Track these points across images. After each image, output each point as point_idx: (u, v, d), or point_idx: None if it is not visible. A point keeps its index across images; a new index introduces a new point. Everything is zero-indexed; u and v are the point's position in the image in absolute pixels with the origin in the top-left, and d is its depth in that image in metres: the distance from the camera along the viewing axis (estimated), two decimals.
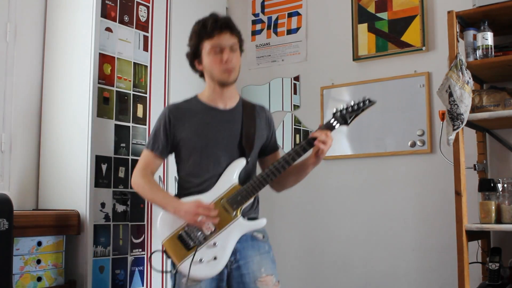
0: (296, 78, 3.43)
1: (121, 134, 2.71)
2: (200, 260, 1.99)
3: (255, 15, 3.61)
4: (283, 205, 3.30)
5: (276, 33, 3.53)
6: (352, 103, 2.05)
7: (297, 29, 3.46)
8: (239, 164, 2.09)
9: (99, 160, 2.59)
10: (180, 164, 2.16)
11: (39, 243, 2.39)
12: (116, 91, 2.71)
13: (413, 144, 2.96)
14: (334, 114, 2.06)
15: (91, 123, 2.57)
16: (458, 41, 2.43)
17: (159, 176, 2.88)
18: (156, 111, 2.91)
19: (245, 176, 2.11)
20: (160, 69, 2.97)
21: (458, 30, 2.44)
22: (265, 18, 3.57)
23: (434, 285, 2.85)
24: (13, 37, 2.68)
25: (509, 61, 2.40)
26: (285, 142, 3.38)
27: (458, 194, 2.35)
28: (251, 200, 2.06)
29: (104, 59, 2.66)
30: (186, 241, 2.02)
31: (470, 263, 2.40)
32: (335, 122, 2.05)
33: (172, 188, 2.80)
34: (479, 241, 2.61)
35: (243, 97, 2.27)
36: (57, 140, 2.70)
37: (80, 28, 2.67)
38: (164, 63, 3.00)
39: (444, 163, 2.71)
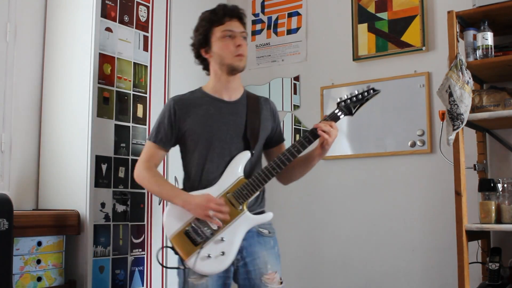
0: (296, 78, 3.43)
1: (121, 134, 2.71)
2: (208, 255, 1.99)
3: (255, 15, 3.61)
4: (283, 205, 3.30)
5: (276, 33, 3.53)
6: (356, 92, 2.04)
7: (297, 29, 3.46)
8: (244, 156, 2.08)
9: (99, 160, 2.59)
10: (185, 156, 2.15)
11: (39, 243, 2.39)
12: (116, 91, 2.71)
13: (413, 144, 2.96)
14: (338, 104, 2.04)
15: (91, 123, 2.57)
16: (458, 41, 2.43)
17: None
18: (156, 111, 2.90)
19: (250, 169, 2.10)
20: (160, 69, 2.97)
21: (458, 30, 2.44)
22: (265, 18, 3.57)
23: (434, 285, 2.85)
24: (13, 37, 2.68)
25: (509, 61, 2.40)
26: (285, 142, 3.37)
27: (458, 194, 2.35)
28: (257, 193, 2.05)
29: (104, 59, 2.66)
30: (193, 237, 2.01)
31: (470, 263, 2.40)
32: (340, 112, 2.03)
33: None
34: (479, 241, 2.61)
35: None
36: (57, 140, 2.70)
37: (80, 28, 2.67)
38: (164, 63, 3.00)
39: (444, 163, 2.71)
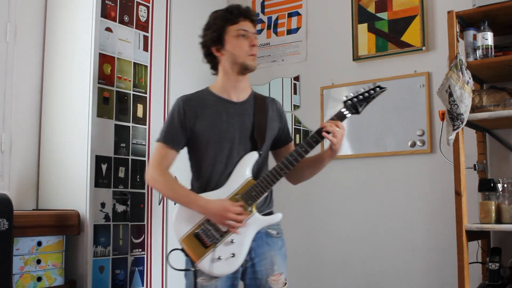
0: (296, 78, 3.43)
1: (121, 134, 2.71)
2: (219, 257, 1.99)
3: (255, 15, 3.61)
4: (283, 205, 3.28)
5: (276, 33, 3.53)
6: (362, 91, 2.02)
7: (297, 29, 3.46)
8: (252, 157, 2.08)
9: (99, 160, 2.59)
10: (193, 157, 2.14)
11: (39, 243, 2.38)
12: (116, 91, 2.71)
13: (413, 144, 2.96)
14: (344, 103, 2.03)
15: (91, 123, 2.57)
16: (458, 41, 2.43)
17: None
18: (156, 111, 2.91)
19: (258, 170, 2.10)
20: (160, 69, 2.97)
21: (458, 30, 2.44)
22: (265, 18, 3.57)
23: (434, 285, 2.85)
24: (13, 37, 2.68)
25: (509, 61, 2.40)
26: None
27: (458, 194, 2.35)
28: (266, 194, 2.05)
29: (104, 59, 2.66)
30: (203, 239, 2.01)
31: (470, 263, 2.40)
32: (347, 111, 2.02)
33: None
34: (479, 241, 2.61)
35: None
36: (57, 140, 2.70)
37: (80, 28, 2.67)
38: (164, 63, 3.00)
39: (444, 163, 2.71)
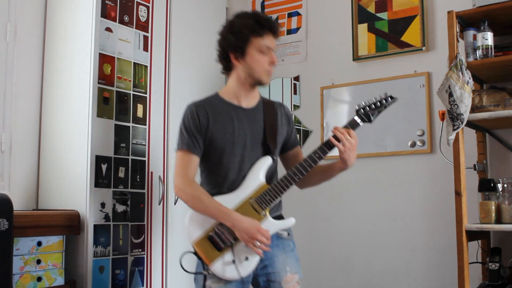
0: (296, 78, 3.43)
1: (121, 134, 2.71)
2: (233, 260, 1.99)
3: None
4: (283, 205, 3.30)
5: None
6: (374, 100, 2.05)
7: (297, 29, 3.46)
8: (266, 162, 2.08)
9: (99, 160, 2.59)
10: (205, 163, 2.12)
11: (39, 243, 2.38)
12: (116, 91, 2.71)
13: (413, 144, 2.96)
14: (357, 111, 2.05)
15: (91, 123, 2.57)
16: (458, 41, 2.43)
17: (159, 176, 2.88)
18: (156, 111, 2.91)
19: (269, 174, 2.11)
20: (160, 69, 2.97)
21: (458, 30, 2.44)
22: None
23: (434, 285, 2.85)
24: (13, 37, 2.68)
25: (509, 61, 2.40)
26: None
27: (458, 194, 2.36)
28: (280, 199, 2.06)
29: (104, 59, 2.66)
30: (216, 242, 2.01)
31: (470, 263, 2.40)
32: (359, 119, 2.04)
33: (172, 188, 2.80)
34: (479, 241, 2.61)
35: None
36: (57, 140, 2.70)
37: (80, 28, 2.67)
38: (164, 63, 3.00)
39: (444, 163, 2.71)
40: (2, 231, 2.10)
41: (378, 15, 3.15)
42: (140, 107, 2.82)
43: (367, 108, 2.05)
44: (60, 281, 2.45)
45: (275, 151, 2.13)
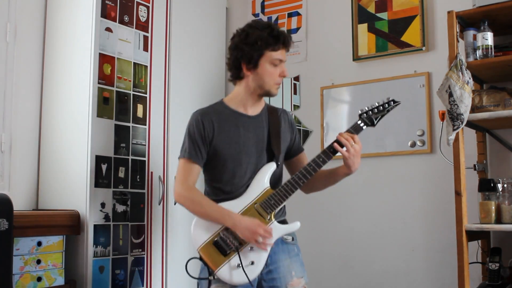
0: (296, 78, 3.43)
1: (121, 134, 2.71)
2: (238, 265, 1.99)
3: (255, 15, 3.61)
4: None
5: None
6: (377, 104, 2.08)
7: (297, 29, 3.45)
8: (270, 168, 2.10)
9: (99, 160, 2.59)
10: (211, 170, 2.13)
11: (39, 243, 2.38)
12: (116, 91, 2.71)
13: (413, 144, 2.96)
14: (360, 115, 2.07)
15: (91, 123, 2.57)
16: (458, 41, 2.42)
17: (159, 176, 2.88)
18: (156, 111, 2.91)
19: (274, 180, 2.13)
20: (160, 69, 2.97)
21: (458, 30, 2.44)
22: (265, 18, 3.57)
23: (434, 285, 2.85)
24: (13, 37, 2.68)
25: (509, 61, 2.39)
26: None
27: (458, 194, 2.35)
28: (284, 203, 2.07)
29: (104, 59, 2.66)
30: (222, 247, 2.01)
31: (470, 263, 2.40)
32: (362, 123, 2.06)
33: (172, 188, 2.80)
34: (479, 241, 2.61)
35: None
36: (57, 140, 2.70)
37: (80, 28, 2.67)
38: (164, 63, 3.00)
39: (444, 163, 2.71)
40: (2, 231, 2.10)
41: (378, 15, 3.15)
42: (140, 107, 2.82)
43: (370, 112, 2.07)
44: (60, 281, 2.45)
45: (279, 157, 2.14)
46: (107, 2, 2.68)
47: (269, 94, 2.13)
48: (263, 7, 3.59)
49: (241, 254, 2.00)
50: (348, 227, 3.14)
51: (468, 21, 2.51)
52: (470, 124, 2.47)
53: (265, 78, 2.09)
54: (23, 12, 2.73)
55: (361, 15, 3.19)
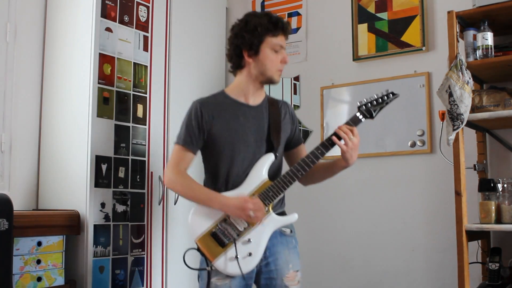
0: (296, 78, 3.43)
1: (121, 134, 2.71)
2: (236, 257, 2.00)
3: None
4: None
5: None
6: (375, 96, 2.07)
7: (297, 29, 3.46)
8: (268, 159, 2.10)
9: (99, 160, 2.59)
10: (209, 160, 2.15)
11: (39, 243, 2.38)
12: (116, 91, 2.71)
13: (413, 144, 2.96)
14: (359, 107, 2.07)
15: (91, 123, 2.57)
16: (458, 41, 2.43)
17: (159, 176, 2.88)
18: (156, 111, 2.91)
19: (273, 171, 2.12)
20: (160, 69, 2.97)
21: (458, 30, 2.44)
22: None
23: (434, 285, 2.85)
24: (13, 37, 2.68)
25: (509, 61, 2.40)
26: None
27: (458, 194, 2.36)
28: (282, 195, 2.07)
29: (104, 59, 2.66)
30: (220, 238, 2.02)
31: (470, 263, 2.40)
32: (361, 115, 2.06)
33: None
34: (479, 241, 2.61)
35: None
36: (57, 140, 2.70)
37: (80, 28, 2.67)
38: (164, 63, 3.00)
39: (444, 163, 2.71)
40: (2, 231, 2.10)
41: (378, 15, 3.15)
42: (140, 107, 2.82)
43: (369, 104, 2.06)
44: (60, 281, 2.45)
45: (278, 148, 2.14)
46: (107, 2, 2.68)
47: (271, 80, 2.14)
48: (263, 7, 3.59)
49: (239, 245, 2.01)
50: (348, 227, 3.14)
51: (468, 21, 2.51)
52: (470, 124, 2.47)
53: (267, 64, 2.10)
54: (23, 12, 2.73)
55: (361, 15, 3.20)
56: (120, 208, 2.67)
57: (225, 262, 2.00)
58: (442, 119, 2.47)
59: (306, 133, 3.33)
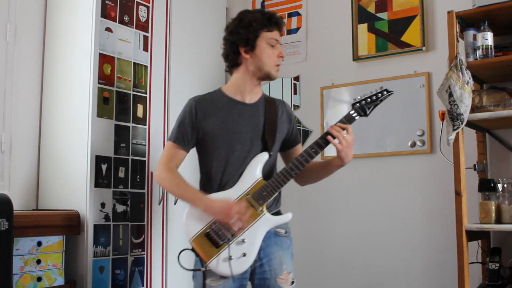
0: (296, 78, 3.43)
1: (121, 134, 2.71)
2: (230, 257, 1.99)
3: None
4: (283, 204, 3.30)
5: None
6: (370, 94, 2.06)
7: (297, 29, 3.46)
8: (262, 158, 2.09)
9: (99, 160, 2.59)
10: (204, 158, 2.14)
11: (39, 243, 2.38)
12: (116, 91, 2.71)
13: (413, 144, 2.96)
14: (353, 105, 2.06)
15: (91, 123, 2.57)
16: (458, 41, 2.43)
17: None
18: (156, 111, 2.91)
19: (268, 170, 2.11)
20: (160, 69, 2.97)
21: (458, 30, 2.44)
22: None
23: (434, 285, 2.85)
24: (13, 37, 2.68)
25: (509, 61, 2.40)
26: None
27: (458, 194, 2.35)
28: (276, 194, 2.07)
29: (104, 59, 2.66)
30: (214, 239, 2.02)
31: (470, 263, 2.40)
32: (355, 113, 2.05)
33: None
34: (479, 241, 2.61)
35: None
36: (57, 140, 2.70)
37: (80, 28, 2.67)
38: (164, 63, 3.00)
39: (444, 163, 2.71)
40: (2, 231, 2.10)
41: (378, 15, 3.15)
42: (140, 107, 2.82)
43: (363, 102, 2.05)
44: (60, 281, 2.45)
45: (273, 147, 2.12)
46: (107, 2, 2.68)
47: (269, 76, 2.13)
48: (263, 7, 3.59)
49: (233, 246, 2.00)
50: (348, 227, 3.14)
51: (468, 21, 2.51)
52: (470, 124, 2.47)
53: (263, 59, 2.10)
54: (23, 12, 2.73)
55: (361, 15, 3.20)
56: (120, 208, 2.67)
57: (218, 263, 2.00)
58: (442, 119, 2.47)
59: (306, 133, 3.33)
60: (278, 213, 2.15)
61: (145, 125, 2.84)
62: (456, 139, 2.37)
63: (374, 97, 2.06)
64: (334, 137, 2.01)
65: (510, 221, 2.34)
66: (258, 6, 3.60)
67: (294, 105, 3.40)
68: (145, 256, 2.77)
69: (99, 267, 2.55)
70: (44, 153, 2.74)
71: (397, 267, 2.97)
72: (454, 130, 2.34)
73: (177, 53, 3.08)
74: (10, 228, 2.12)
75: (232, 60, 2.15)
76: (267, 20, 2.10)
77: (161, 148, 2.93)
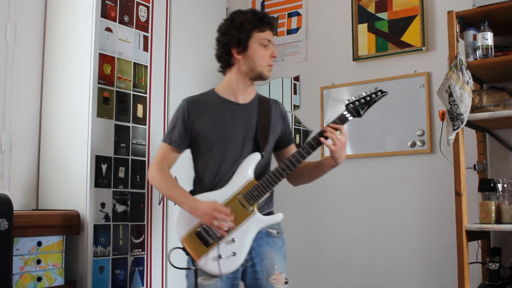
0: (296, 78, 3.43)
1: (121, 134, 2.71)
2: (220, 256, 2.00)
3: None
4: (282, 204, 3.28)
5: (276, 33, 3.52)
6: (364, 94, 2.05)
7: (297, 29, 3.46)
8: (254, 158, 2.09)
9: (99, 160, 2.59)
10: (197, 158, 2.15)
11: (39, 243, 2.38)
12: (116, 91, 2.71)
13: (413, 144, 2.96)
14: (346, 106, 2.05)
15: (91, 123, 2.57)
16: (458, 41, 2.43)
17: None
18: (156, 111, 2.91)
19: (260, 171, 2.11)
20: (160, 69, 2.97)
21: (458, 30, 2.44)
22: None
23: (434, 285, 2.85)
24: (13, 37, 2.68)
25: (509, 61, 2.40)
26: None
27: (458, 194, 2.36)
28: (268, 194, 2.06)
29: (104, 59, 2.66)
30: (204, 238, 2.02)
31: (470, 263, 2.40)
32: (348, 114, 2.04)
33: None
34: (479, 241, 2.61)
35: None
36: (57, 140, 2.70)
37: (80, 28, 2.67)
38: (164, 63, 3.00)
39: (444, 163, 2.71)
40: (2, 231, 2.10)
41: (378, 15, 3.15)
42: (140, 107, 2.82)
43: (357, 102, 2.04)
44: (60, 281, 2.45)
45: (265, 147, 2.12)
46: (107, 2, 2.68)
47: (261, 76, 2.13)
48: (263, 7, 3.59)
49: (222, 245, 2.01)
50: (348, 227, 3.14)
51: (468, 21, 2.51)
52: (470, 124, 2.47)
53: (256, 59, 2.10)
54: (23, 12, 2.73)
55: (361, 15, 3.20)
56: (120, 208, 2.67)
57: (207, 262, 2.00)
58: (442, 119, 2.47)
59: (306, 133, 3.33)
60: (270, 214, 2.14)
61: (145, 125, 2.84)
62: (456, 139, 2.37)
63: (368, 98, 2.04)
64: (327, 138, 2.00)
65: (510, 221, 2.34)
66: (258, 6, 3.60)
67: (294, 105, 3.40)
68: (145, 256, 2.77)
69: (99, 267, 2.55)
70: (44, 153, 2.74)
71: (397, 267, 2.97)
72: (454, 130, 2.34)
73: (177, 53, 3.08)
74: (10, 228, 2.12)
75: (224, 61, 2.16)
76: (259, 21, 2.10)
77: None
